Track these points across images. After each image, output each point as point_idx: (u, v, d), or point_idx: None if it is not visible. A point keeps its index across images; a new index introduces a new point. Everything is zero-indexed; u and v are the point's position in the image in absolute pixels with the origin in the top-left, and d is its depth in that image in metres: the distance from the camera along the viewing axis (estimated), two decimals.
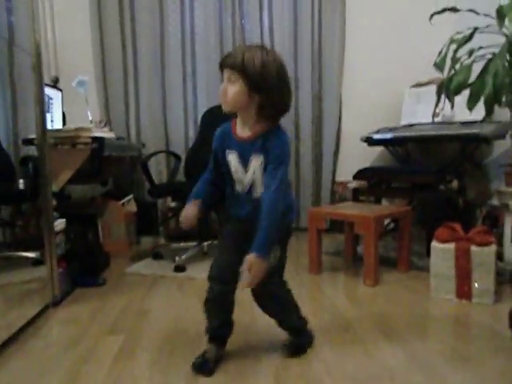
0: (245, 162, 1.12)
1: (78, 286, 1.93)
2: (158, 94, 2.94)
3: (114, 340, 1.38)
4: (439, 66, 1.80)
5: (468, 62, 1.74)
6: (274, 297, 1.22)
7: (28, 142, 1.94)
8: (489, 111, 1.75)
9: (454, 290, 1.67)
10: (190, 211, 1.15)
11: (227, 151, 1.14)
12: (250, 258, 1.00)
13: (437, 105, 2.02)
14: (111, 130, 2.42)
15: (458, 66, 1.85)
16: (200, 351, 1.24)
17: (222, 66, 1.07)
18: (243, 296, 1.22)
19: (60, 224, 1.90)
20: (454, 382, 1.07)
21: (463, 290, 1.65)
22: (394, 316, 1.51)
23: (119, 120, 2.91)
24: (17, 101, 2.78)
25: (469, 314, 1.55)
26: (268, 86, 1.04)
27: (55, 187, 1.92)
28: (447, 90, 1.84)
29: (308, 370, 1.15)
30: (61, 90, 2.59)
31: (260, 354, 1.25)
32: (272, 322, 1.27)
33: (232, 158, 1.13)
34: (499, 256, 1.83)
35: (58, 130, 1.93)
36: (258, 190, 1.12)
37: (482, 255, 1.61)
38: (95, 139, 1.86)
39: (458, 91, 1.77)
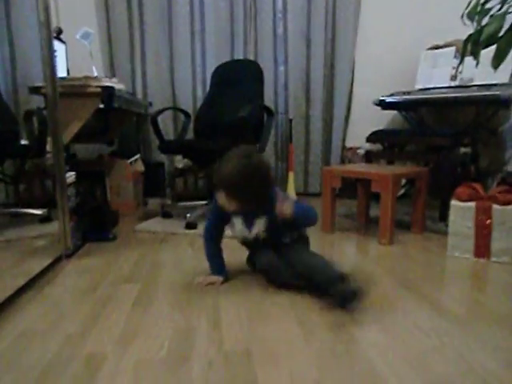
0: (248, 223, 1.36)
1: (88, 241, 1.91)
2: (164, 52, 2.83)
3: (130, 287, 1.37)
4: (470, 15, 1.71)
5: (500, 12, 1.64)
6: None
7: (35, 90, 1.84)
8: None
9: (472, 249, 1.65)
10: (216, 283, 1.38)
11: (233, 216, 1.37)
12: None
13: (460, 62, 1.93)
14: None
15: (486, 18, 1.76)
16: (219, 299, 1.26)
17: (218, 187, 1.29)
18: None
19: (70, 177, 1.85)
20: (483, 331, 1.06)
21: (482, 249, 1.63)
22: (413, 272, 1.50)
23: (125, 78, 2.80)
24: (15, 53, 2.67)
25: (488, 270, 1.54)
26: (242, 193, 1.26)
27: (64, 139, 1.85)
28: (475, 43, 1.75)
29: (331, 316, 1.14)
30: (64, 43, 2.48)
31: (283, 299, 1.24)
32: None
33: (236, 221, 1.37)
34: None
35: (64, 79, 1.83)
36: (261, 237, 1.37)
37: (504, 214, 1.59)
38: (105, 89, 1.77)
39: (488, 44, 1.67)
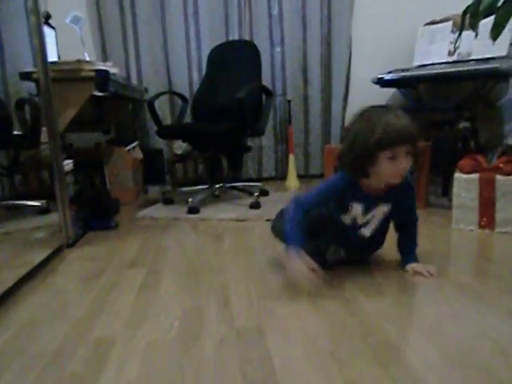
0: (367, 211, 1.20)
1: (90, 230, 1.88)
2: (158, 36, 2.77)
3: (136, 272, 1.35)
4: None
5: None
6: None
7: (26, 75, 1.78)
8: None
9: (476, 220, 1.64)
10: (307, 265, 1.06)
11: (353, 202, 1.19)
12: (417, 266, 1.21)
13: (459, 35, 1.90)
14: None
15: None
16: (227, 278, 1.24)
17: (403, 142, 1.06)
18: None
19: (67, 165, 1.82)
20: (493, 298, 1.06)
21: (486, 220, 1.62)
22: (419, 245, 1.46)
23: (118, 63, 2.73)
24: (2, 40, 2.59)
25: (493, 241, 1.53)
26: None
27: (59, 127, 1.81)
28: (474, 14, 1.72)
29: (341, 290, 1.13)
30: (54, 28, 2.41)
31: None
32: None
33: (355, 207, 1.19)
34: None
35: (56, 63, 1.77)
36: (368, 231, 1.23)
37: (508, 184, 1.57)
38: (99, 72, 1.72)
39: (487, 14, 1.65)
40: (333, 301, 1.06)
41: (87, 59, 2.25)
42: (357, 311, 1.00)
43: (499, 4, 1.72)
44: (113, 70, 1.86)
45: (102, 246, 1.66)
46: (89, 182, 2.08)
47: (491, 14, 1.76)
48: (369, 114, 1.10)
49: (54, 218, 2.08)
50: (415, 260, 1.24)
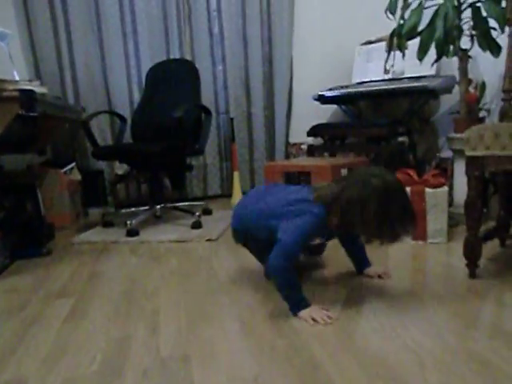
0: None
1: (18, 259, 1.75)
2: (95, 55, 2.69)
3: (62, 303, 1.26)
4: (391, 9, 1.79)
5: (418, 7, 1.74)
6: None
7: None
8: (440, 54, 1.78)
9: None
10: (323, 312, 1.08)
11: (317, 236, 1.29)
12: (378, 270, 1.37)
13: (388, 55, 2.02)
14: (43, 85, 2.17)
15: (408, 13, 1.86)
16: (159, 304, 1.19)
17: None
18: None
19: None
20: (418, 309, 1.10)
21: (419, 232, 1.69)
22: None
23: (54, 83, 2.63)
24: None
25: (425, 252, 1.60)
26: None
27: None
28: (399, 37, 1.84)
29: (273, 309, 1.12)
30: None
31: (225, 299, 1.21)
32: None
33: (316, 240, 1.34)
34: (449, 202, 1.90)
35: None
36: None
37: (436, 196, 1.66)
38: (23, 92, 1.63)
39: (410, 36, 1.77)
40: (263, 321, 1.05)
41: (16, 78, 2.14)
42: (286, 332, 1.00)
43: (421, 28, 1.87)
44: (40, 90, 1.77)
45: (30, 275, 1.55)
46: (19, 206, 1.95)
47: (414, 37, 1.90)
48: (394, 194, 1.13)
49: None
50: (370, 263, 1.38)
